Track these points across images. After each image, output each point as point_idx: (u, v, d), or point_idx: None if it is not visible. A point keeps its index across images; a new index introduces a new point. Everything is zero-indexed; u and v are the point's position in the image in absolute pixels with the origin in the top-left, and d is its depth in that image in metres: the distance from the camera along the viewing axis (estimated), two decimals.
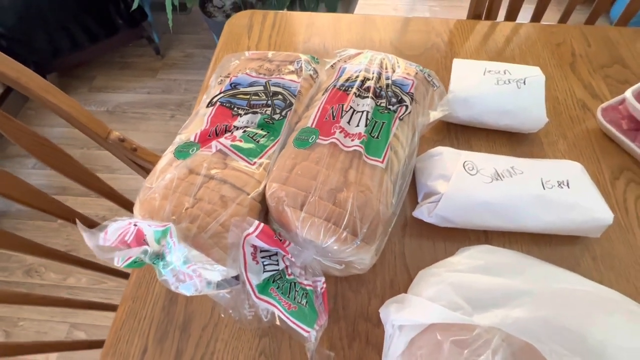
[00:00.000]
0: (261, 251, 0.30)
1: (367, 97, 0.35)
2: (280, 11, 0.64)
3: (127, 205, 0.62)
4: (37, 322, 1.06)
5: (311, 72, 0.40)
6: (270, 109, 0.36)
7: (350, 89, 0.36)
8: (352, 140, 0.32)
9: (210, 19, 1.41)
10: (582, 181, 0.39)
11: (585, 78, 0.55)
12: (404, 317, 0.30)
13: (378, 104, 0.35)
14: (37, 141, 0.47)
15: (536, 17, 0.77)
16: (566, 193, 0.37)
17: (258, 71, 0.39)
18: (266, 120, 0.35)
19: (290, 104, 0.37)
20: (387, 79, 0.38)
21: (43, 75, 1.47)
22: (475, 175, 0.38)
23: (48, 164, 0.49)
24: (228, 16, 1.42)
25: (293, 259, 0.29)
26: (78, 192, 1.28)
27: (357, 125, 0.33)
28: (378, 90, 0.36)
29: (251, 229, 0.27)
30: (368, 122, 0.33)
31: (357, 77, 0.37)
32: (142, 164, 0.58)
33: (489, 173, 0.38)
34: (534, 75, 0.45)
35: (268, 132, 0.34)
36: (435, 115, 0.40)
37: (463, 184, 0.38)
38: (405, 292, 0.36)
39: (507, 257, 0.35)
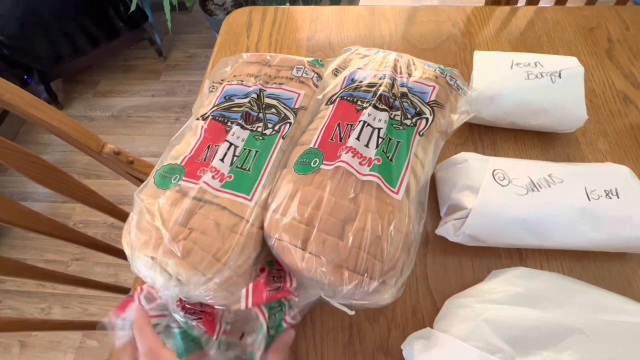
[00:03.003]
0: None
1: (380, 108, 0.30)
2: (281, 6, 0.60)
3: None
4: (51, 332, 1.06)
5: (314, 79, 0.36)
6: (261, 124, 0.32)
7: (359, 100, 0.31)
8: (364, 164, 0.27)
9: (211, 17, 1.37)
10: (633, 189, 0.34)
11: (625, 66, 0.48)
12: (431, 359, 0.26)
13: (392, 116, 0.30)
14: (26, 159, 0.44)
15: None
16: (616, 204, 0.32)
17: (256, 77, 0.35)
18: (255, 137, 0.31)
19: (285, 118, 0.32)
20: (403, 85, 0.33)
21: (47, 82, 1.46)
22: (507, 186, 0.33)
23: (41, 182, 0.46)
24: (229, 13, 1.37)
25: (296, 299, 0.26)
26: None
27: (367, 145, 0.28)
28: (392, 100, 0.31)
29: (242, 304, 0.24)
30: (381, 140, 0.28)
31: (366, 84, 0.32)
32: (140, 176, 0.54)
33: (523, 183, 0.33)
34: (571, 66, 0.40)
35: (258, 151, 0.30)
36: (459, 119, 0.34)
37: (493, 196, 0.33)
38: (430, 321, 0.32)
39: (548, 282, 0.30)
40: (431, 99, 0.32)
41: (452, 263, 0.36)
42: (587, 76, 0.48)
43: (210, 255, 0.25)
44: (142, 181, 0.57)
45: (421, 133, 0.30)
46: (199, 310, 0.27)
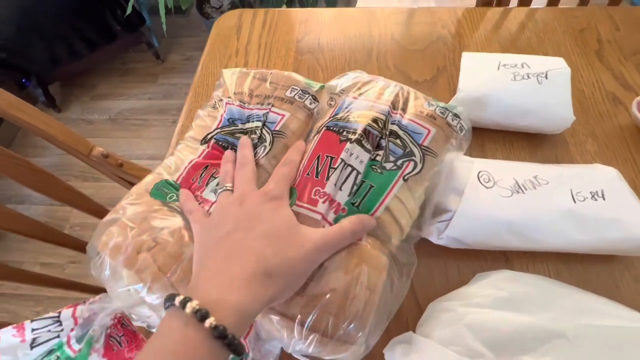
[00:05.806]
0: None
1: (365, 147, 0.27)
2: (272, 8, 0.60)
3: None
4: None
5: (307, 101, 0.34)
6: None
7: (344, 130, 0.28)
8: (334, 210, 0.25)
9: (208, 20, 1.38)
10: (620, 190, 0.33)
11: (615, 67, 0.48)
12: None
13: (374, 157, 0.28)
14: (12, 162, 0.44)
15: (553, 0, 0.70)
16: (601, 206, 0.32)
17: (253, 94, 0.34)
18: None
19: (262, 140, 0.32)
20: (394, 123, 0.29)
21: (45, 86, 1.47)
22: (492, 187, 0.33)
23: (28, 185, 0.46)
24: None
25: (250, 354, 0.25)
26: None
27: (341, 188, 0.26)
28: (378, 138, 0.28)
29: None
30: (356, 187, 0.26)
31: (357, 115, 0.29)
32: (129, 179, 0.54)
33: (508, 185, 0.33)
34: (558, 67, 0.39)
35: None
36: (451, 159, 0.32)
37: (478, 199, 0.32)
38: (415, 325, 0.31)
39: (533, 286, 0.30)
40: (424, 144, 0.29)
41: (438, 266, 0.35)
42: (577, 77, 0.48)
43: (155, 265, 0.25)
44: (132, 184, 0.57)
45: (406, 178, 0.27)
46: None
